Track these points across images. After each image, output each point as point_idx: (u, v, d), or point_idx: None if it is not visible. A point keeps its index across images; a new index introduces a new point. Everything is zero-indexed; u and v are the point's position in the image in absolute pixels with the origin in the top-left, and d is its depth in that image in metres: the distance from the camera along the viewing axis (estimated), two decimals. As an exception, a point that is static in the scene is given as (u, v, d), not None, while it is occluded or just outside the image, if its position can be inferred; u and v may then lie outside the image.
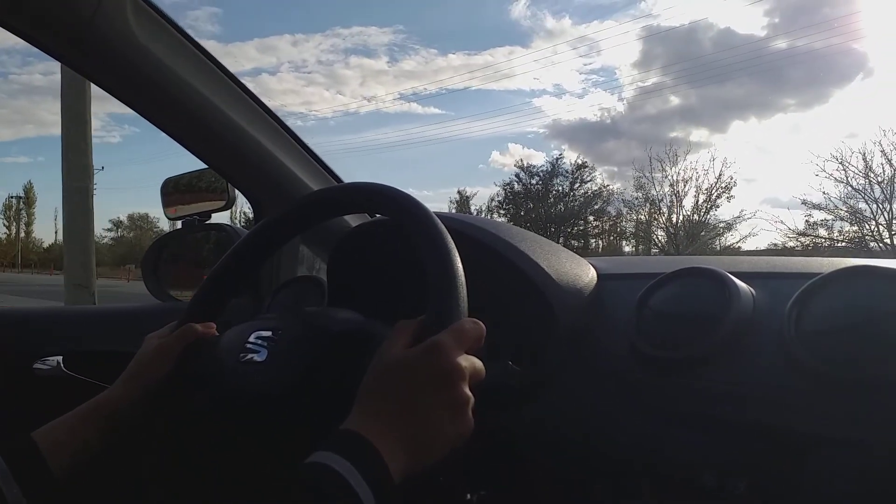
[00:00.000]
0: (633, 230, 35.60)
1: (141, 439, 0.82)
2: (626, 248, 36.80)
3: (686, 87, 44.51)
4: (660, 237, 32.65)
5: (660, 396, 0.81)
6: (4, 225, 71.08)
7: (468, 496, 0.84)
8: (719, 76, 39.77)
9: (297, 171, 1.23)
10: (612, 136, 53.31)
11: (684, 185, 31.77)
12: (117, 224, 68.82)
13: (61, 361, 1.09)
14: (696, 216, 31.49)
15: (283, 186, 1.23)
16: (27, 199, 70.45)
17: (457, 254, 0.69)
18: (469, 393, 0.61)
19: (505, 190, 39.35)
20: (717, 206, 31.34)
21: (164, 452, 0.83)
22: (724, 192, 31.09)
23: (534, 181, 38.31)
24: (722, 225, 31.32)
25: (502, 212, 38.62)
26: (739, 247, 30.14)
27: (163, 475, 0.83)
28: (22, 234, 71.04)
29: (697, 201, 31.48)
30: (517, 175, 38.94)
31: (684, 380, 0.80)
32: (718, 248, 30.59)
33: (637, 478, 0.78)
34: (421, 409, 0.59)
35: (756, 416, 0.73)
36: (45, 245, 73.91)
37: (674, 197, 31.84)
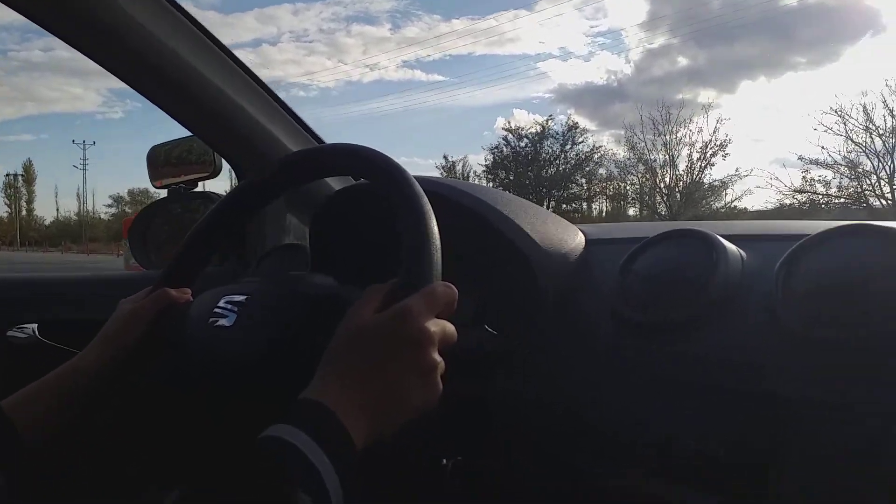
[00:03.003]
0: (636, 193, 34.80)
1: (112, 405, 0.81)
2: (631, 212, 35.85)
3: (694, 47, 44.05)
4: (656, 201, 32.14)
5: (642, 362, 0.80)
6: (6, 203, 71.04)
7: (444, 461, 0.84)
8: (728, 36, 39.12)
9: (278, 134, 1.22)
10: (618, 99, 52.71)
11: (678, 145, 31.23)
12: (117, 199, 68.79)
13: (36, 329, 1.09)
14: (689, 177, 30.94)
15: (263, 150, 1.21)
16: (27, 176, 70.30)
17: (432, 216, 0.68)
18: (438, 358, 0.60)
19: (493, 154, 38.20)
20: (712, 165, 30.79)
21: (131, 418, 0.83)
22: (719, 149, 30.54)
23: (522, 144, 37.25)
24: (717, 184, 30.79)
25: (490, 176, 37.56)
26: (735, 206, 29.73)
27: (129, 441, 0.83)
28: (23, 213, 71.02)
29: (691, 160, 30.89)
30: (505, 138, 37.82)
31: (667, 345, 0.79)
32: (723, 209, 29.99)
33: (616, 444, 0.78)
34: (386, 375, 0.58)
35: (739, 381, 0.73)
36: (47, 223, 74.01)
37: (667, 157, 31.30)
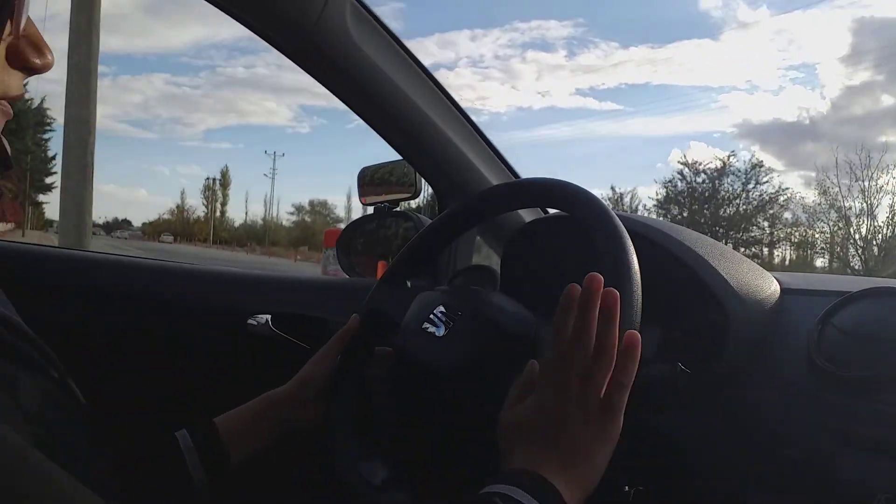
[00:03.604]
0: (826, 243, 31.71)
1: (308, 437, 0.89)
2: (818, 263, 32.90)
3: (902, 85, 40.03)
4: (850, 253, 29.18)
5: (834, 415, 0.79)
6: (204, 204, 78.61)
7: (626, 488, 0.86)
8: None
9: (479, 164, 1.30)
10: (810, 138, 49.03)
11: (878, 193, 28.26)
12: (299, 208, 74.01)
13: (269, 320, 1.24)
14: (890, 230, 27.87)
15: (465, 179, 1.30)
16: (223, 181, 77.51)
17: (633, 254, 0.70)
18: (599, 399, 0.60)
19: (666, 188, 36.71)
20: None
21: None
22: None
23: (700, 179, 35.50)
24: None
25: (661, 211, 36.08)
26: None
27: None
28: (218, 214, 78.27)
29: (894, 211, 27.72)
30: (680, 172, 36.18)
31: (862, 401, 0.77)
32: None
33: (803, 492, 0.77)
34: (566, 448, 0.60)
35: None
36: (236, 224, 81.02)
37: (865, 205, 28.38)
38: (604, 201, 0.80)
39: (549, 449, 0.60)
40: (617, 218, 0.74)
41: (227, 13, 0.97)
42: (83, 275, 1.24)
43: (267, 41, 1.06)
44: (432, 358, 0.81)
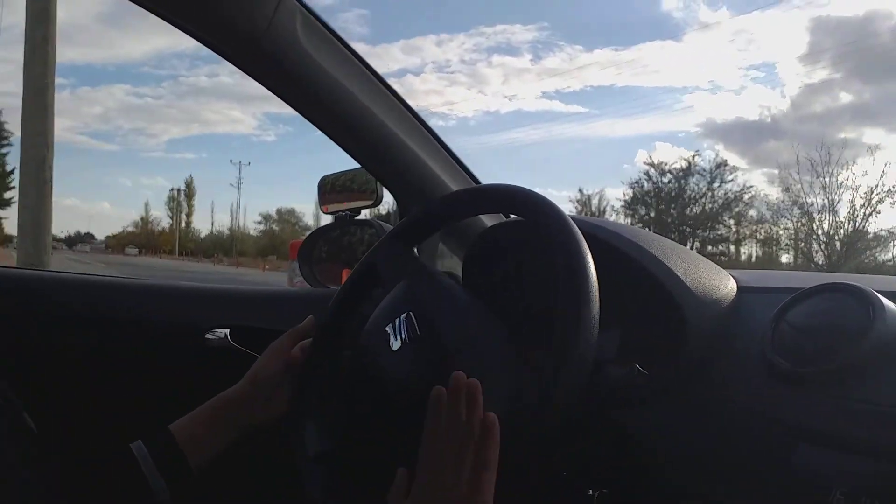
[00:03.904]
0: (790, 239, 31.97)
1: (266, 435, 0.90)
2: (784, 259, 33.05)
3: (859, 82, 40.84)
4: (813, 249, 29.50)
5: (790, 410, 0.80)
6: (169, 216, 77.64)
7: (590, 492, 0.86)
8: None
9: (437, 170, 1.30)
10: (772, 136, 49.55)
11: (839, 189, 28.46)
12: (266, 217, 73.43)
13: (227, 334, 1.22)
14: (851, 225, 28.18)
15: (425, 185, 1.30)
16: (188, 191, 76.65)
17: (590, 260, 0.71)
18: (468, 477, 0.66)
19: (633, 189, 36.70)
20: (878, 213, 27.66)
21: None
22: (886, 195, 27.40)
23: (666, 179, 35.63)
24: (884, 234, 27.75)
25: (629, 212, 36.26)
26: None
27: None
28: (183, 225, 77.34)
29: (854, 206, 28.02)
30: (647, 173, 36.26)
31: (817, 395, 0.78)
32: (891, 262, 27.15)
33: (760, 487, 0.78)
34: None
35: (891, 438, 0.71)
36: (202, 235, 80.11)
37: (827, 201, 28.61)
38: (567, 204, 0.80)
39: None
40: (574, 226, 0.75)
41: (173, 24, 0.95)
42: (35, 295, 1.21)
43: (217, 52, 1.04)
44: (380, 373, 0.81)
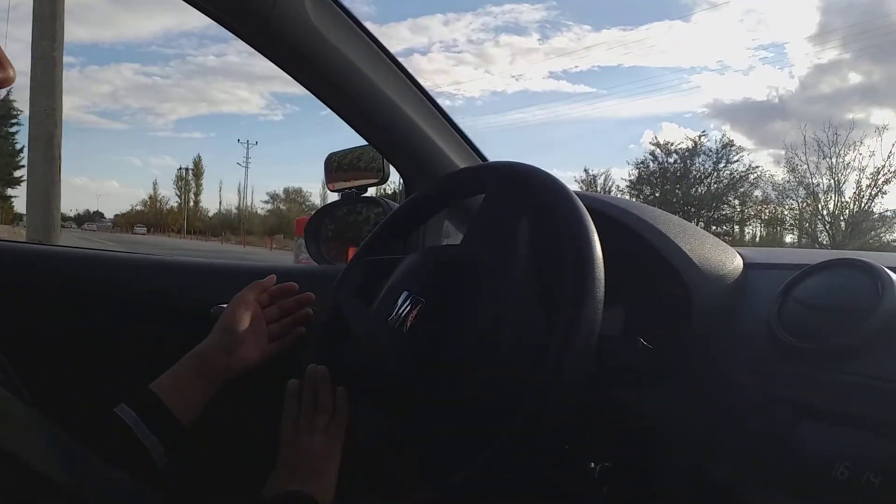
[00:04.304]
0: (795, 219, 31.75)
1: (246, 389, 0.93)
2: (788, 239, 32.84)
3: (868, 62, 40.28)
4: (818, 229, 29.42)
5: (795, 386, 0.80)
6: (177, 195, 77.71)
7: (592, 465, 0.87)
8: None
9: (445, 148, 1.29)
10: (779, 116, 49.37)
11: (845, 170, 28.36)
12: (273, 196, 73.40)
13: None
14: (856, 205, 28.07)
15: (432, 163, 1.30)
16: (196, 170, 76.64)
17: (595, 237, 0.71)
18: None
19: (639, 169, 36.70)
20: (884, 193, 27.65)
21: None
22: (893, 176, 27.44)
23: (671, 159, 35.53)
24: (889, 214, 27.67)
25: (634, 192, 35.94)
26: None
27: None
28: (191, 204, 77.42)
29: (860, 187, 27.92)
30: (652, 153, 36.28)
31: (822, 371, 0.78)
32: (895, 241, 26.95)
33: (762, 464, 0.78)
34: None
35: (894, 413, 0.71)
36: (210, 214, 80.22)
37: (832, 181, 28.51)
38: (573, 184, 0.80)
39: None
40: (580, 203, 0.75)
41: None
42: (43, 269, 1.22)
43: (226, 27, 1.04)
44: (384, 353, 0.83)
